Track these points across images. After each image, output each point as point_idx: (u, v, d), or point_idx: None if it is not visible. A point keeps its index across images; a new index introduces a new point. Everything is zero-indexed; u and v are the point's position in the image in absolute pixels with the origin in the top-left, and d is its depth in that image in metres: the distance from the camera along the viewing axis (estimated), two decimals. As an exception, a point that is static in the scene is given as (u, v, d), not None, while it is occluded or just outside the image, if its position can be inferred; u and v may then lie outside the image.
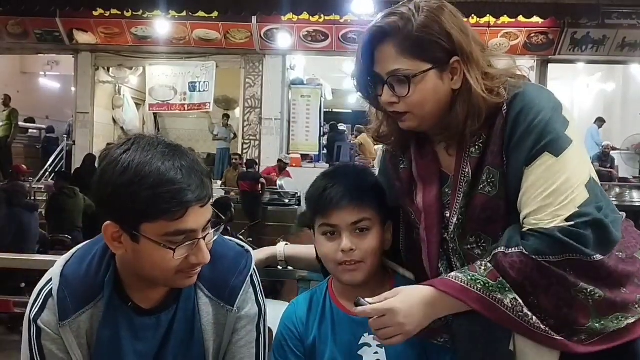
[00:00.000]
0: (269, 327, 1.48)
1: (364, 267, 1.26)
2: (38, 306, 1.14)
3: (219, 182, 10.71)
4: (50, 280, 1.16)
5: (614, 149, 10.89)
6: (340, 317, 1.32)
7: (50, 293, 1.14)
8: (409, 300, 1.10)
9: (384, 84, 1.15)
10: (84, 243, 1.22)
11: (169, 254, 1.06)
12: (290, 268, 1.57)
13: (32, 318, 1.14)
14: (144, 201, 1.02)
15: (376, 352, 1.28)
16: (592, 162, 8.47)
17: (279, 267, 1.56)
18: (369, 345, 1.28)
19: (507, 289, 1.06)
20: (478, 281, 1.07)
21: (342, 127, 12.45)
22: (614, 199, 8.80)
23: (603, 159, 10.66)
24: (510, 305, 1.06)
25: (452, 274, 1.11)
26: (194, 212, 1.05)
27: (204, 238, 1.09)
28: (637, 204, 8.94)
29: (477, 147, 1.16)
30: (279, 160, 9.99)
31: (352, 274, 1.26)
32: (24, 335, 1.16)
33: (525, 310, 1.06)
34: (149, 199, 1.01)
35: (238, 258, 1.24)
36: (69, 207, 6.51)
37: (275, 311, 1.44)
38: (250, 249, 1.29)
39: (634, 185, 9.98)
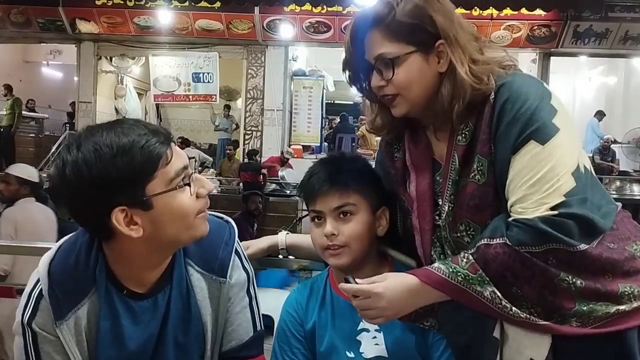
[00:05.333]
0: (270, 315, 1.51)
1: (348, 251, 1.28)
2: (30, 309, 1.11)
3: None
4: (38, 281, 1.12)
5: (614, 142, 10.88)
6: (339, 303, 1.35)
7: (40, 294, 1.11)
8: (393, 287, 1.13)
9: (373, 70, 1.19)
10: (65, 238, 1.19)
11: (185, 193, 1.09)
12: (291, 257, 1.58)
13: (26, 322, 1.11)
14: (138, 161, 1.02)
15: (374, 337, 1.30)
16: (593, 155, 8.32)
17: (280, 256, 1.57)
18: (367, 331, 1.31)
19: (486, 282, 1.08)
20: (459, 274, 1.10)
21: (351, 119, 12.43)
22: (614, 192, 8.80)
23: (604, 152, 10.65)
24: (490, 297, 1.08)
25: (435, 264, 1.14)
26: (175, 151, 1.09)
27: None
28: (637, 197, 8.94)
29: (463, 135, 1.18)
30: (282, 153, 10.03)
31: (336, 257, 1.29)
32: (17, 339, 1.13)
33: (504, 302, 1.08)
34: (140, 156, 1.03)
35: (221, 229, 1.25)
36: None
37: (276, 300, 1.47)
38: (229, 219, 1.30)
39: (635, 178, 9.97)
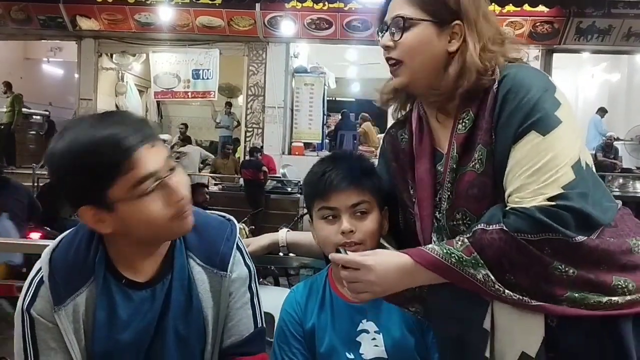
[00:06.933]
0: (270, 313, 1.50)
1: (363, 249, 1.27)
2: (30, 296, 1.13)
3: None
4: (40, 269, 1.15)
5: (617, 139, 10.85)
6: (339, 304, 1.34)
7: (41, 281, 1.13)
8: (385, 263, 1.12)
9: (387, 30, 1.22)
10: (68, 231, 1.21)
11: (151, 200, 1.06)
12: (291, 255, 1.58)
13: (25, 308, 1.13)
14: (92, 170, 1.02)
15: (374, 338, 1.30)
16: (595, 153, 8.29)
17: (280, 253, 1.56)
18: (367, 332, 1.31)
19: (480, 265, 1.07)
20: (453, 255, 1.09)
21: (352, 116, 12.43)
22: (616, 190, 8.77)
23: (606, 149, 10.62)
24: (483, 280, 1.07)
25: (429, 245, 1.13)
26: (145, 155, 1.04)
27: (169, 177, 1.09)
28: (640, 195, 8.92)
29: (463, 123, 1.18)
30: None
31: None
32: (16, 327, 1.14)
33: (497, 285, 1.07)
34: (94, 165, 1.01)
35: (222, 226, 1.27)
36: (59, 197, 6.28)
37: (276, 298, 1.46)
38: (231, 217, 1.31)
39: (638, 175, 9.95)
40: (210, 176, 10.29)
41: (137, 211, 1.05)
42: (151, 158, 1.05)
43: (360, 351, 1.30)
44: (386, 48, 1.22)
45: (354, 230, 1.27)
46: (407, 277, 1.12)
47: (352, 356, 1.30)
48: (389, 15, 1.22)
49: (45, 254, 1.16)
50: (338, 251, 1.17)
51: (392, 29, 1.20)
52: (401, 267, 1.12)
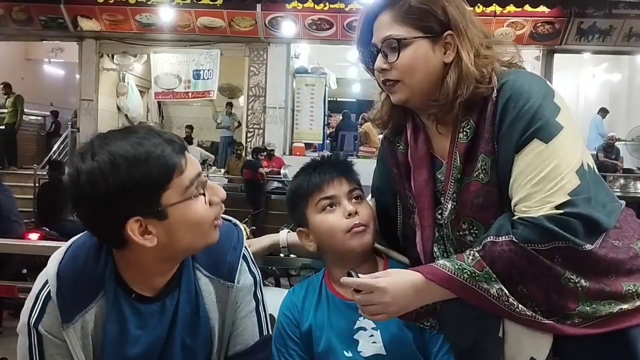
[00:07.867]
0: (270, 314, 1.50)
1: (369, 230, 1.31)
2: (37, 311, 1.10)
3: (222, 171, 10.75)
4: (47, 282, 1.11)
5: (619, 140, 10.84)
6: (336, 303, 1.34)
7: (48, 296, 1.10)
8: (398, 283, 1.12)
9: (379, 53, 1.20)
10: (74, 239, 1.18)
11: (200, 202, 1.07)
12: (292, 255, 1.57)
13: (32, 324, 1.09)
14: (153, 172, 1.01)
15: (372, 335, 1.30)
16: (597, 153, 8.28)
17: (281, 254, 1.56)
18: (365, 329, 1.30)
19: (493, 279, 1.07)
20: (465, 270, 1.08)
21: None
22: (618, 190, 8.77)
23: (608, 150, 10.61)
24: (497, 295, 1.07)
25: (441, 261, 1.13)
26: (189, 159, 1.08)
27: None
28: (641, 195, 8.91)
29: (465, 133, 1.17)
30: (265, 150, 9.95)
31: (361, 236, 1.29)
32: (22, 339, 1.11)
33: (511, 299, 1.07)
34: (156, 166, 1.02)
35: (229, 232, 1.24)
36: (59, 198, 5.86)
37: (278, 299, 1.46)
38: (237, 222, 1.29)
39: (639, 176, 9.94)
40: (211, 176, 10.29)
41: (188, 213, 1.06)
42: (193, 162, 1.09)
43: (359, 349, 1.30)
44: (382, 71, 1.20)
45: (358, 212, 1.30)
46: (421, 295, 1.13)
47: (350, 354, 1.30)
48: (377, 37, 1.20)
49: (52, 267, 1.12)
50: (350, 275, 1.16)
51: (385, 51, 1.18)
52: (414, 286, 1.12)
